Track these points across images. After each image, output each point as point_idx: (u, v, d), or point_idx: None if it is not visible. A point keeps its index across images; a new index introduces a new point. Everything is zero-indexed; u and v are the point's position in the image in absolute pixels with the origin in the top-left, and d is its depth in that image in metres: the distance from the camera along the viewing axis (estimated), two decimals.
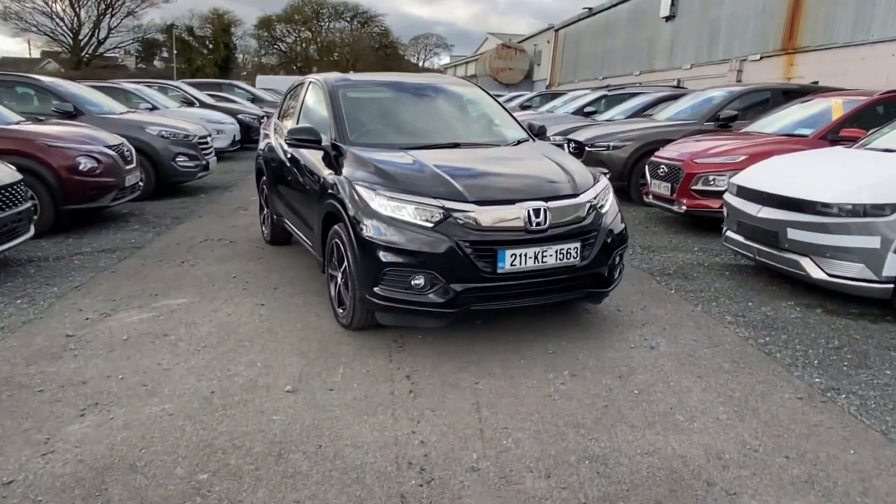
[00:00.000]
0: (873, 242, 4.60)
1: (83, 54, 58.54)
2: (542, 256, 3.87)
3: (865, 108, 7.67)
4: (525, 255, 3.83)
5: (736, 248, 5.78)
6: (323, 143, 4.74)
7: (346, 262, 4.14)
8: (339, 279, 4.34)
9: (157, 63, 66.80)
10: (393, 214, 3.85)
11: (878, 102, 7.75)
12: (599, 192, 4.29)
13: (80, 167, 7.31)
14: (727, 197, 5.99)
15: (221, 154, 14.25)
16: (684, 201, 7.70)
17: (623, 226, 4.35)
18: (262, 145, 7.06)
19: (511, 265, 3.81)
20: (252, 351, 4.01)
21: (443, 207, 3.82)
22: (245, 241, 7.01)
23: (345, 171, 4.31)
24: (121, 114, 10.43)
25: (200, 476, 2.67)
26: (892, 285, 4.59)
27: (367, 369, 3.77)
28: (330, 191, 4.40)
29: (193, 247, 6.78)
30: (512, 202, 3.91)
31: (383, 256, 3.81)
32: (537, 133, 5.41)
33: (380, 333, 4.25)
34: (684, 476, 2.72)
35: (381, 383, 3.59)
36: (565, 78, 36.20)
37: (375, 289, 3.86)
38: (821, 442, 3.01)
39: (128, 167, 8.06)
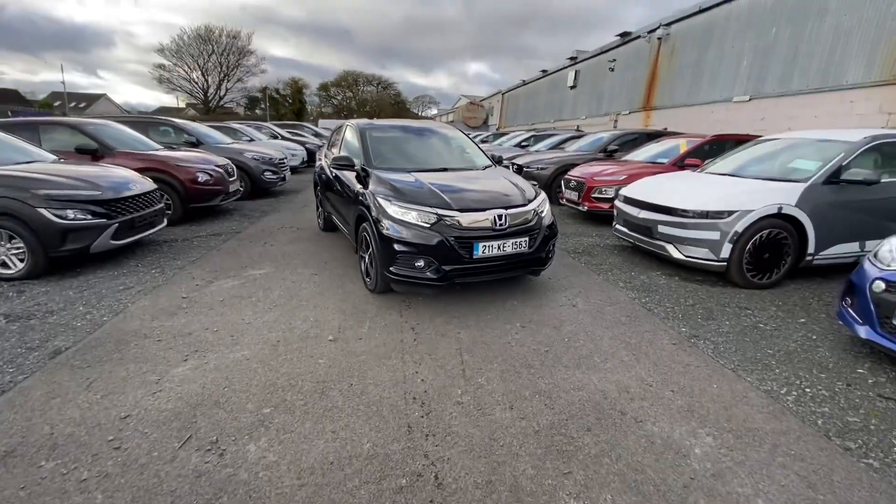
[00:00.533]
0: (715, 235, 4.20)
1: (210, 104, 55.93)
2: (503, 247, 3.42)
3: (700, 146, 7.23)
4: (492, 246, 3.37)
5: (622, 237, 5.36)
6: (356, 167, 4.20)
7: (371, 248, 3.65)
8: (366, 259, 3.86)
9: (258, 111, 63.99)
10: (402, 217, 3.36)
11: (708, 143, 7.30)
12: (541, 202, 3.82)
13: (199, 179, 6.67)
14: (617, 203, 5.55)
15: (295, 170, 13.48)
16: (586, 204, 7.25)
17: (555, 224, 3.89)
18: (317, 166, 6.45)
19: (483, 253, 3.35)
20: (307, 309, 3.54)
21: (436, 213, 3.33)
22: (307, 229, 6.44)
23: (370, 186, 3.78)
24: (228, 144, 9.65)
25: (265, 410, 2.23)
26: (725, 263, 4.22)
27: (385, 322, 3.32)
28: (360, 199, 3.87)
29: (273, 232, 6.21)
30: (483, 210, 3.43)
31: (396, 246, 3.33)
32: (497, 161, 4.90)
33: (394, 296, 3.79)
34: (605, 407, 2.33)
35: (394, 333, 3.15)
36: (508, 123, 35.22)
37: (391, 268, 3.39)
38: (693, 378, 2.64)
39: (230, 179, 7.39)
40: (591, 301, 3.83)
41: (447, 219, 3.32)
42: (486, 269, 3.45)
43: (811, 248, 4.31)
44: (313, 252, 5.21)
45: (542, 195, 3.96)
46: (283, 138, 16.53)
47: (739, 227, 4.12)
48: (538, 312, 3.55)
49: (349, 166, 4.16)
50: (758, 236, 4.17)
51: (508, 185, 3.89)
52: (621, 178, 6.93)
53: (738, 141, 7.40)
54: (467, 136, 5.28)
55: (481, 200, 3.55)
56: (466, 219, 3.35)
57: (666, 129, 10.86)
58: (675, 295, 4.06)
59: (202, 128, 10.10)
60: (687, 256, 4.39)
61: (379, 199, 3.53)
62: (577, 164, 8.73)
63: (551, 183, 9.11)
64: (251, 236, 5.95)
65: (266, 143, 13.27)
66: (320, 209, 6.20)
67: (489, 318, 3.41)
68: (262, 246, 5.44)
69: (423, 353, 2.87)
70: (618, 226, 5.46)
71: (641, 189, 5.25)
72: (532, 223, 3.60)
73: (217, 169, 7.04)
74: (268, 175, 9.12)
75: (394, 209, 3.40)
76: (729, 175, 5.08)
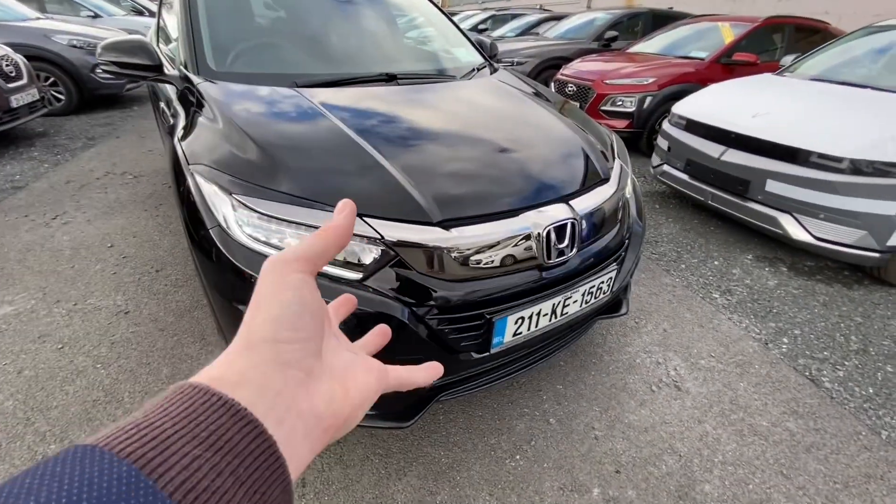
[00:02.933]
0: (889, 209, 2.35)
1: None
2: (564, 306, 1.31)
3: (753, 32, 5.07)
4: (539, 314, 1.24)
5: (677, 186, 3.37)
6: (168, 72, 1.70)
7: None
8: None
9: None
10: (270, 250, 1.09)
11: (759, 28, 5.14)
12: (623, 164, 1.66)
13: None
14: (670, 129, 3.45)
15: None
16: None
17: (643, 211, 1.77)
18: None
19: (515, 335, 1.23)
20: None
21: (381, 237, 1.09)
22: (151, 176, 3.80)
23: (189, 132, 1.40)
24: (27, 20, 5.99)
25: None
26: (889, 255, 2.44)
27: None
28: (172, 164, 1.49)
29: (85, 186, 3.54)
30: (514, 213, 1.22)
31: None
32: (491, 56, 2.49)
33: None
34: None
35: None
36: (451, 2, 30.02)
37: None
38: None
39: (12, 85, 4.30)
40: (700, 364, 1.93)
41: (414, 252, 1.11)
42: (513, 361, 1.36)
43: None
44: (143, 237, 2.77)
45: (618, 143, 1.78)
46: (153, 14, 11.98)
47: None
48: (618, 424, 1.60)
49: (144, 69, 1.64)
50: None
51: (552, 122, 1.63)
52: (647, 80, 4.75)
53: (798, 27, 5.36)
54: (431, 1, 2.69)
55: (503, 182, 1.30)
56: (471, 247, 1.15)
57: (671, 8, 8.39)
58: (817, 320, 2.28)
59: None
60: (819, 239, 2.54)
61: (202, 182, 1.19)
62: (567, 58, 6.38)
63: None
64: (38, 198, 3.29)
65: (118, 21, 9.24)
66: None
67: (519, 472, 1.42)
68: (44, 226, 2.87)
69: None
70: (668, 168, 3.45)
71: (719, 108, 3.18)
72: (619, 227, 1.48)
73: None
74: (104, 73, 5.84)
75: (244, 219, 1.10)
76: (851, 85, 3.12)
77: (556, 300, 1.25)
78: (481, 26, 11.51)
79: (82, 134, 4.94)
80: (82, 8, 9.36)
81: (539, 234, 1.20)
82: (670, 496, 1.38)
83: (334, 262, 1.07)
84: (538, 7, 15.44)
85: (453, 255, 1.12)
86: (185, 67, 1.67)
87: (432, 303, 1.10)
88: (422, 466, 1.43)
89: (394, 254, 1.09)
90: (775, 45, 5.28)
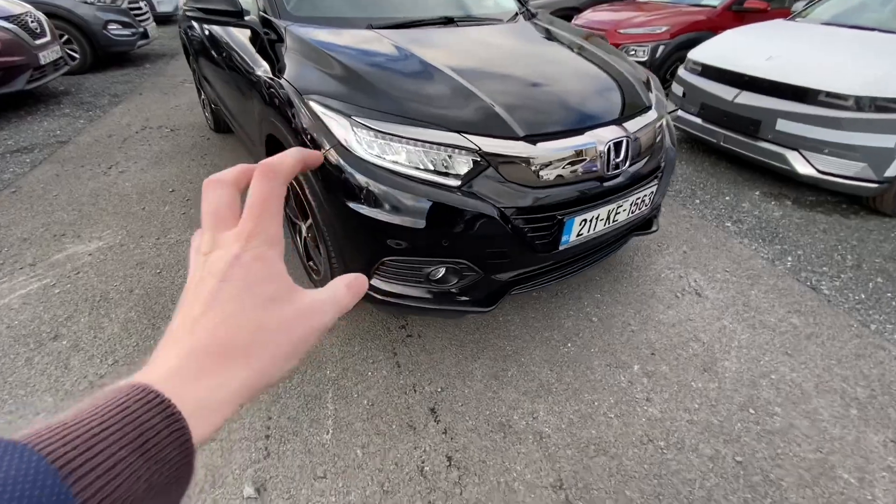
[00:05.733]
0: (888, 141, 2.58)
1: None
2: (616, 213, 1.56)
3: None
4: (597, 218, 1.50)
5: (691, 130, 3.56)
6: (248, 18, 1.86)
7: (311, 220, 1.64)
8: (304, 231, 1.84)
9: None
10: (385, 162, 1.32)
11: None
12: (660, 96, 1.86)
13: None
14: (685, 75, 3.61)
15: (167, 18, 9.51)
16: None
17: (675, 138, 1.99)
18: (179, 9, 3.70)
19: (578, 235, 1.49)
20: None
21: (477, 149, 1.32)
22: (188, 129, 3.94)
23: (288, 69, 1.58)
24: None
25: None
26: (887, 185, 2.69)
27: (369, 399, 1.53)
28: (268, 101, 1.69)
29: (127, 139, 3.69)
30: (579, 131, 1.45)
31: (376, 238, 1.35)
32: (525, 3, 2.62)
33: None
34: None
35: (396, 442, 1.40)
36: None
37: (371, 279, 1.47)
38: None
39: (39, 41, 4.33)
40: (716, 277, 2.21)
41: (504, 160, 1.34)
42: (571, 261, 1.63)
43: None
44: (199, 182, 2.94)
45: (654, 79, 1.97)
46: None
47: None
48: (654, 325, 1.89)
49: (229, 15, 1.80)
50: None
51: (603, 58, 1.82)
52: (660, 29, 4.82)
53: None
54: None
55: (568, 106, 1.52)
56: (548, 159, 1.38)
57: None
58: (817, 243, 2.55)
59: None
60: (823, 173, 2.78)
61: (317, 108, 1.40)
62: (577, 8, 6.39)
63: None
64: (86, 151, 3.45)
65: None
66: (202, 94, 3.69)
67: (573, 356, 1.72)
68: (103, 174, 3.06)
69: None
70: (682, 113, 3.62)
71: (735, 53, 3.33)
72: (659, 152, 1.70)
73: (2, 24, 3.97)
74: (115, 30, 5.81)
75: (362, 139, 1.33)
76: (859, 28, 3.27)
77: (611, 207, 1.50)
78: None
79: (105, 91, 5.01)
80: None
81: (601, 149, 1.43)
82: (697, 370, 1.69)
83: (431, 171, 1.30)
84: None
85: (534, 166, 1.36)
86: (264, 12, 1.83)
87: (516, 205, 1.35)
88: (491, 352, 1.73)
89: (486, 164, 1.32)
90: None
